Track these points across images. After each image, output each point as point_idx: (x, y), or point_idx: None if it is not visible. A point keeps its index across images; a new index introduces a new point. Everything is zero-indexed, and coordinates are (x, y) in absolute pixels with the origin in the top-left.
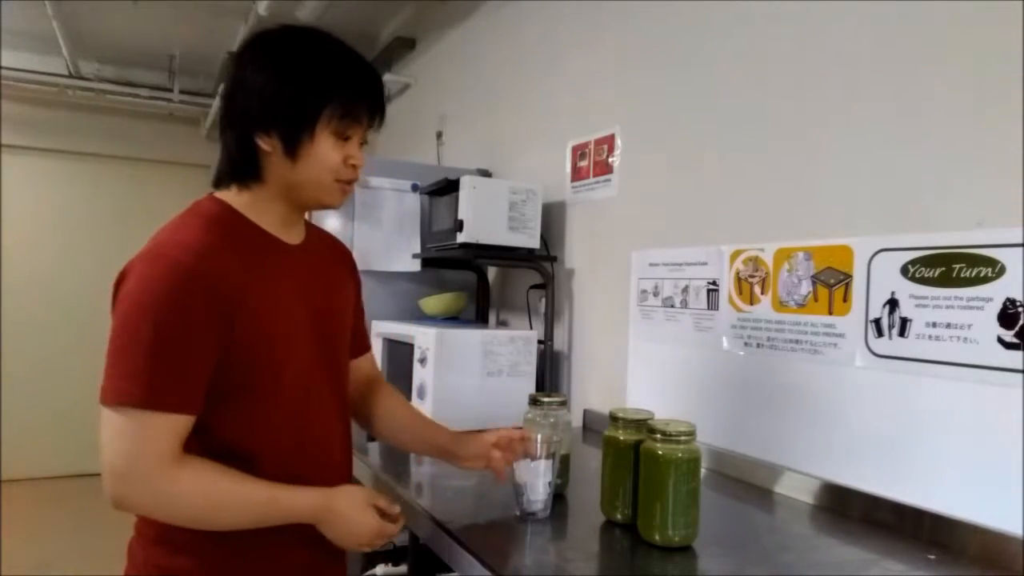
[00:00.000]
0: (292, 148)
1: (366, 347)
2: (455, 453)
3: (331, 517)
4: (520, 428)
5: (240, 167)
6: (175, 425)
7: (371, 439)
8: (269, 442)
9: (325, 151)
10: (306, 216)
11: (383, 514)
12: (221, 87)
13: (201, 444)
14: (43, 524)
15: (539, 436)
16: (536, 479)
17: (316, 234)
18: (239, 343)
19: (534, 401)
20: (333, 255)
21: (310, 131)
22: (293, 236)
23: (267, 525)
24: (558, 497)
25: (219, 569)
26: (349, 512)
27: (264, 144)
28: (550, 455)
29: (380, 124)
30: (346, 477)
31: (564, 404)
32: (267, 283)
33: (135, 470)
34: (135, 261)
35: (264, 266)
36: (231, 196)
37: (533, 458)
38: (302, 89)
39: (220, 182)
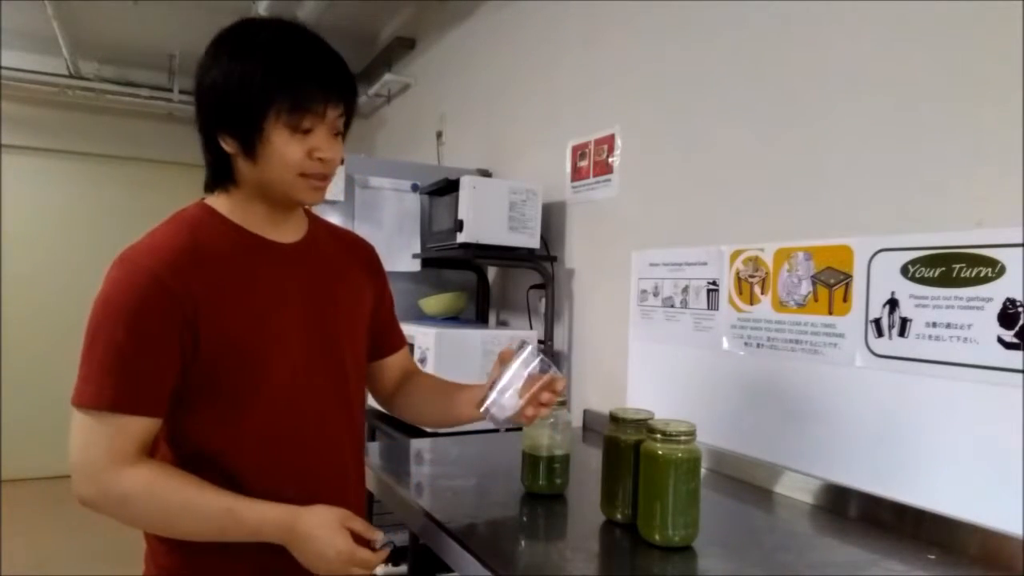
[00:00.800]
0: (249, 148)
1: (399, 344)
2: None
3: (295, 538)
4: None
5: (215, 171)
6: (132, 427)
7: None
8: (248, 453)
9: (281, 148)
10: (314, 212)
11: (360, 540)
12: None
13: (176, 453)
14: (43, 524)
15: (529, 347)
16: (515, 386)
17: (326, 232)
18: (206, 349)
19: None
20: (347, 254)
21: (259, 129)
22: (286, 235)
23: (230, 539)
24: (558, 497)
25: (204, 568)
26: (316, 532)
27: (226, 146)
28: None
29: (348, 108)
30: (357, 488)
31: (564, 404)
32: (246, 286)
33: (86, 467)
34: (114, 263)
35: (243, 268)
36: (215, 200)
37: (518, 363)
38: (246, 86)
39: (207, 188)
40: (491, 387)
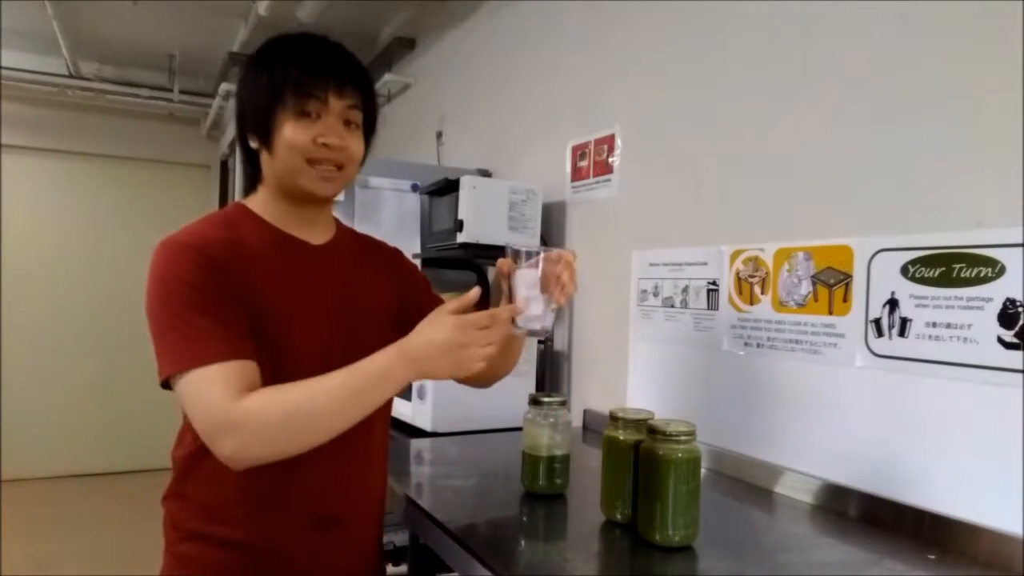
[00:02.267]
0: (266, 139)
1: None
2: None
3: (412, 355)
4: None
5: (249, 171)
6: (229, 371)
7: None
8: None
9: (290, 133)
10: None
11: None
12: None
13: (199, 442)
14: (43, 524)
15: (537, 246)
16: (533, 290)
17: (351, 237)
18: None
19: (534, 401)
20: (369, 257)
21: (272, 116)
22: (315, 236)
23: (367, 403)
24: (558, 497)
25: (222, 562)
26: (424, 336)
27: (252, 143)
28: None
29: (361, 100)
30: (379, 479)
31: (564, 404)
32: (276, 281)
33: (216, 417)
34: (153, 252)
35: (274, 263)
36: (250, 200)
37: (529, 266)
38: (257, 81)
39: (244, 191)
40: (511, 300)
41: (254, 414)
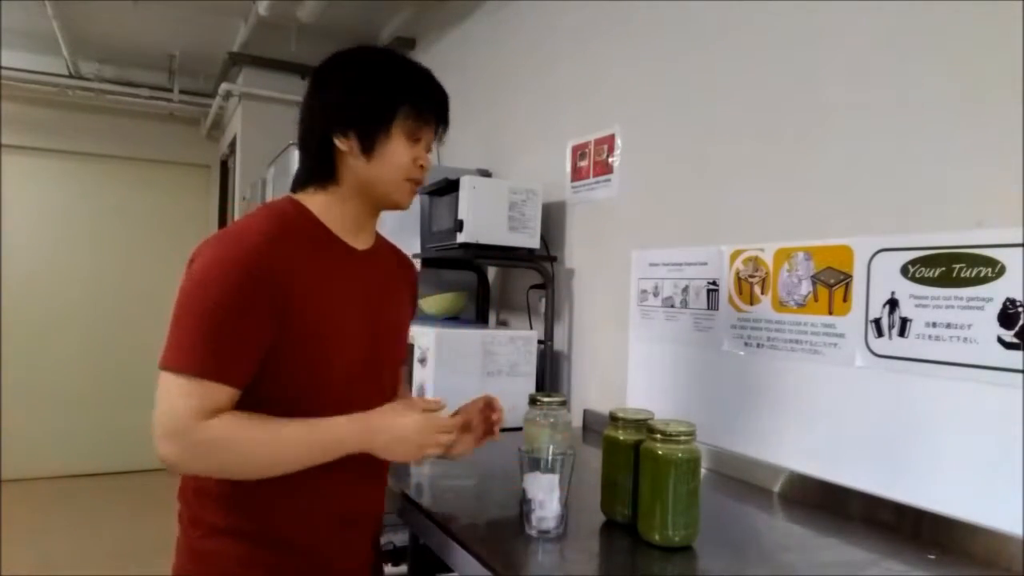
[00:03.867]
0: (369, 145)
1: (402, 360)
2: None
3: (372, 435)
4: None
5: (317, 168)
6: (218, 394)
7: None
8: None
9: (398, 149)
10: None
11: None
12: (302, 102)
13: None
14: (43, 524)
15: (550, 447)
16: (548, 494)
17: (386, 246)
18: (292, 330)
19: (533, 401)
20: (399, 271)
21: (386, 129)
22: (360, 242)
23: (316, 461)
24: None
25: (245, 555)
26: (389, 421)
27: (341, 144)
28: (563, 468)
29: (444, 134)
30: (386, 477)
31: (564, 404)
32: (324, 280)
33: (172, 423)
34: (204, 244)
35: (324, 264)
36: (306, 197)
37: (543, 471)
38: (380, 91)
39: (297, 185)
40: (523, 499)
41: (213, 437)
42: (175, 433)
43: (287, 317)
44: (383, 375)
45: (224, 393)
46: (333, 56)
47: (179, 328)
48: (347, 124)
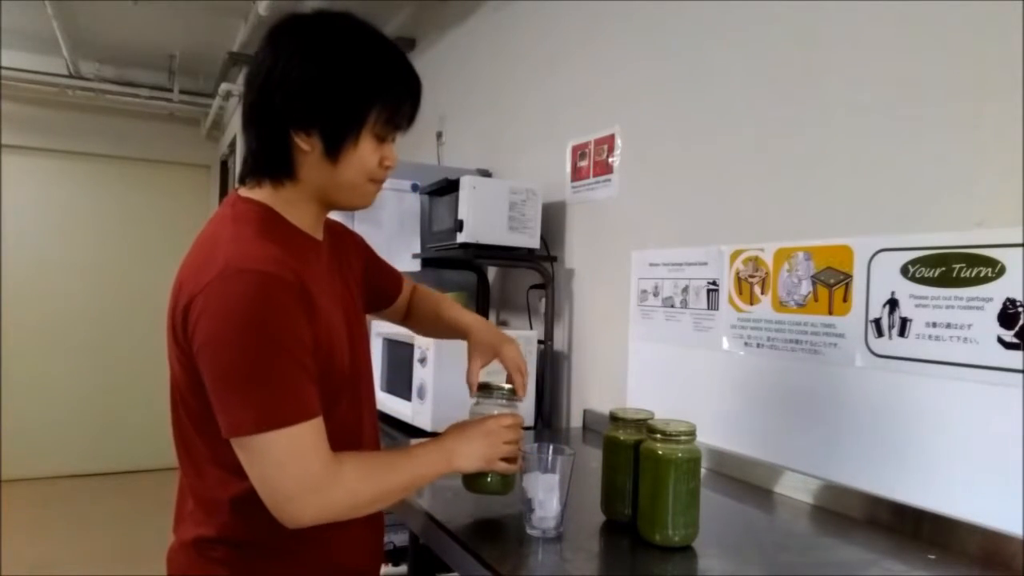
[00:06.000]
0: (333, 150)
1: (398, 286)
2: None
3: (450, 451)
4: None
5: (273, 164)
6: (319, 428)
7: None
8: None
9: (366, 154)
10: None
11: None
12: (245, 73)
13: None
14: (43, 524)
15: (550, 448)
16: (548, 494)
17: (330, 227)
18: (317, 344)
19: (484, 387)
20: (341, 242)
21: (355, 134)
22: (320, 234)
23: (424, 484)
24: None
25: (258, 560)
26: (458, 431)
27: (303, 143)
28: (563, 468)
29: (411, 125)
30: None
31: (515, 394)
32: (318, 289)
33: (305, 483)
34: (207, 285)
35: (313, 271)
36: (264, 195)
37: (544, 471)
38: (350, 89)
39: (247, 178)
40: (529, 509)
41: (347, 484)
42: (313, 490)
43: (314, 335)
44: (367, 357)
45: (322, 425)
46: (291, 25)
47: (246, 388)
48: (309, 123)
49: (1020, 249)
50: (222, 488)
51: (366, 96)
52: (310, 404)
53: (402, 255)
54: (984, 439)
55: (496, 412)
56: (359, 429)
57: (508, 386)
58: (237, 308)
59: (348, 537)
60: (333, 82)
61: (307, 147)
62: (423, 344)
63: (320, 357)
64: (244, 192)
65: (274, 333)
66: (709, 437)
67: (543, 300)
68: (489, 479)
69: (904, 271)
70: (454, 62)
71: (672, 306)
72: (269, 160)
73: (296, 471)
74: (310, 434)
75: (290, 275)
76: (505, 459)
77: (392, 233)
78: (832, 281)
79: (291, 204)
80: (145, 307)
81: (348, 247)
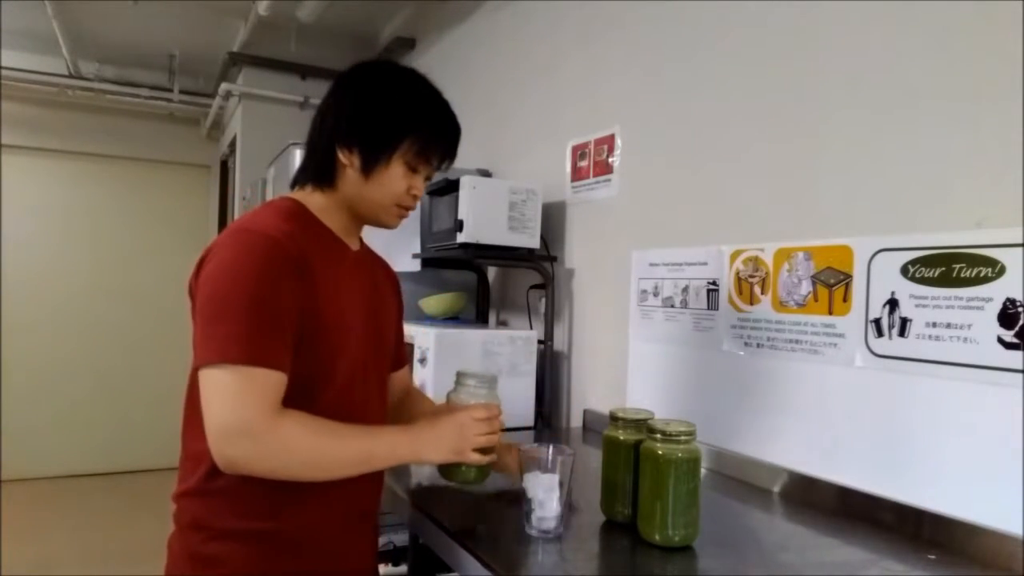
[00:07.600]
0: (368, 167)
1: (404, 361)
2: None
3: (418, 440)
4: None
5: (319, 171)
6: (275, 381)
7: None
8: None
9: (394, 178)
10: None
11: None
12: (323, 102)
13: None
14: (43, 524)
15: (550, 447)
16: (548, 494)
17: (370, 251)
18: (308, 320)
19: (461, 376)
20: (383, 273)
21: (387, 156)
22: (353, 244)
23: (369, 469)
24: None
25: (254, 556)
26: (431, 422)
27: (343, 157)
28: (563, 467)
29: (449, 166)
30: (381, 474)
31: (495, 381)
32: (333, 277)
33: (240, 424)
34: (217, 243)
35: (332, 261)
36: (304, 195)
37: (544, 471)
38: (389, 117)
39: (297, 183)
40: (524, 499)
41: (283, 436)
42: (247, 433)
43: (306, 307)
44: (383, 376)
45: (280, 381)
46: (358, 65)
47: (217, 322)
48: (352, 140)
49: (1020, 249)
50: (202, 440)
51: (401, 126)
52: (271, 355)
53: (402, 255)
54: (984, 439)
55: (472, 402)
56: (363, 413)
57: (487, 374)
58: (229, 257)
59: (338, 537)
60: (374, 110)
61: (347, 161)
62: (423, 344)
63: (314, 324)
64: (290, 195)
65: (255, 283)
66: (709, 437)
67: (543, 300)
68: (463, 468)
69: (904, 271)
70: (454, 62)
71: (672, 306)
72: (316, 168)
73: (236, 409)
74: (262, 380)
75: (290, 243)
76: (480, 450)
77: (392, 233)
78: (832, 281)
79: (325, 208)
80: (146, 307)
81: (388, 280)
